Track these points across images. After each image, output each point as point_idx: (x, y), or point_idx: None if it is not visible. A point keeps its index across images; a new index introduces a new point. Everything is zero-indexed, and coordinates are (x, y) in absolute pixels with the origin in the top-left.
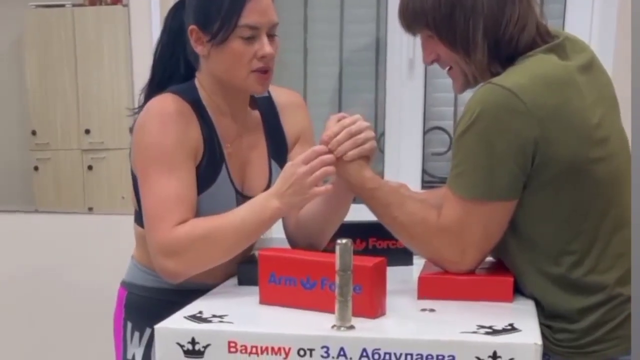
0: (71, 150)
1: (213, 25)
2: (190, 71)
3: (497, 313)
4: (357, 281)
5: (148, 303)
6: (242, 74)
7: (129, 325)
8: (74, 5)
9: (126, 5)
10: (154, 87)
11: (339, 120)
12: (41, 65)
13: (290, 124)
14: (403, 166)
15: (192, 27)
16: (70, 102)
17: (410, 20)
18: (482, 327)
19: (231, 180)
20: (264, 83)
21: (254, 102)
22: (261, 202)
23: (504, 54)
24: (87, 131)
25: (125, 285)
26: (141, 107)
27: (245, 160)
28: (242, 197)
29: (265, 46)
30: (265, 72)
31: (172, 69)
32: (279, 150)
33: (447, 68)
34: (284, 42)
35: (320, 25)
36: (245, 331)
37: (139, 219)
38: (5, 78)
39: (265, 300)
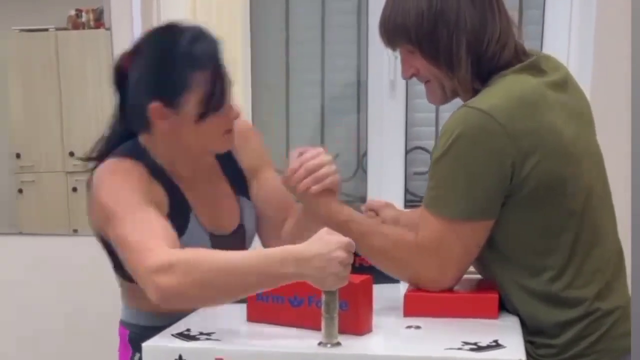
0: (55, 173)
1: (183, 101)
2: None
3: (482, 329)
4: (343, 298)
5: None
6: (216, 141)
7: (137, 355)
8: (57, 29)
9: (109, 29)
10: (111, 143)
11: (300, 154)
12: (25, 89)
13: (244, 155)
14: (386, 186)
15: (154, 105)
16: (54, 125)
17: (392, 35)
18: (467, 343)
19: (201, 226)
20: (232, 142)
21: None
22: (279, 265)
23: (486, 70)
24: (72, 153)
25: (125, 325)
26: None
27: (213, 202)
28: (216, 239)
29: (234, 108)
30: (232, 130)
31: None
32: (241, 185)
33: (425, 81)
34: (267, 64)
35: (302, 47)
36: (233, 349)
37: (118, 270)
38: None
39: (252, 317)
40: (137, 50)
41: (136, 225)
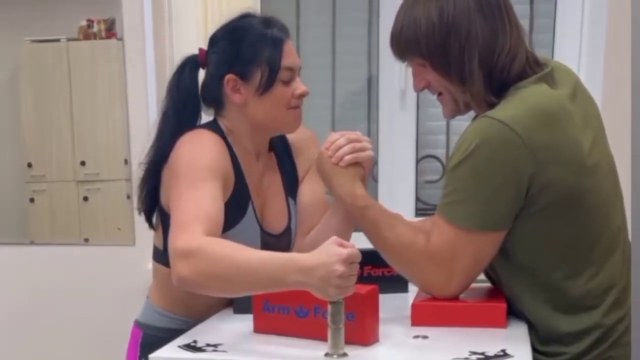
0: (67, 182)
1: (253, 74)
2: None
3: (490, 339)
4: (349, 309)
5: (166, 343)
6: (282, 115)
7: None
8: (68, 40)
9: (120, 39)
10: (164, 142)
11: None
12: (37, 99)
13: (303, 160)
14: (397, 194)
15: (229, 76)
16: (65, 135)
17: (403, 48)
18: (475, 353)
19: (257, 219)
20: (299, 120)
21: (269, 142)
22: (282, 272)
23: (496, 83)
24: (83, 163)
25: (140, 325)
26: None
27: (265, 198)
28: (266, 235)
29: (301, 85)
30: (298, 108)
31: (184, 125)
32: (293, 188)
33: (437, 94)
34: None
35: (313, 57)
36: None
37: (158, 257)
38: (1, 111)
39: (259, 328)
40: (213, 37)
41: (189, 203)
